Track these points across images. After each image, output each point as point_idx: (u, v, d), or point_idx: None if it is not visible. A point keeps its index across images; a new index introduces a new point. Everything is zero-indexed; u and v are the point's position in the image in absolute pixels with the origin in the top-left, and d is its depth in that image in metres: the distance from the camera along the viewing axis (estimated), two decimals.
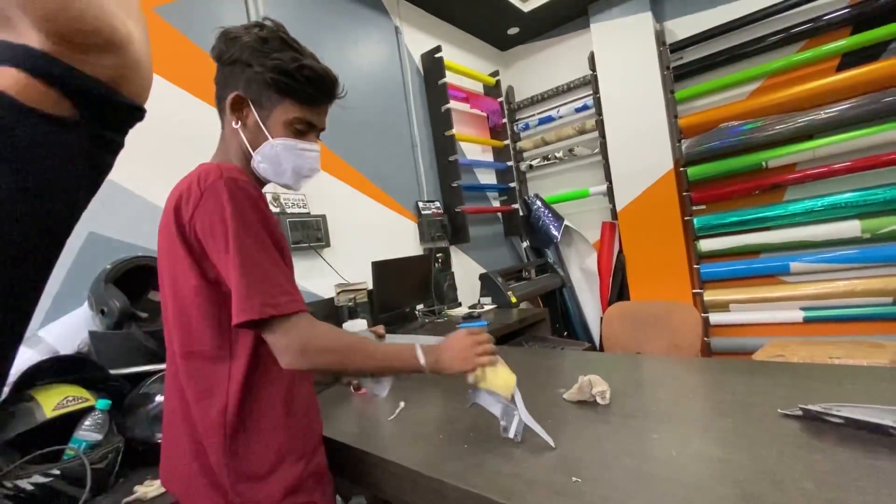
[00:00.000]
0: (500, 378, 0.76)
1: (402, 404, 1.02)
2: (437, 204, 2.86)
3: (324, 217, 2.11)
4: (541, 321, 2.28)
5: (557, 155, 3.36)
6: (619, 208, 3.02)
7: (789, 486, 0.54)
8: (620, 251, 3.10)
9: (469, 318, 2.22)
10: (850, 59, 2.32)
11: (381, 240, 2.48)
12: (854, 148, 2.29)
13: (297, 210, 2.01)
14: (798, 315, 2.47)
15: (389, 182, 2.60)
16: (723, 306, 2.74)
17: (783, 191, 2.57)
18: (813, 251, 2.44)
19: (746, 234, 2.61)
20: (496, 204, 3.48)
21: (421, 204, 2.74)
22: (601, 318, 2.10)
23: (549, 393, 0.96)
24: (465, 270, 2.98)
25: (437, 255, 2.72)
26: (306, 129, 0.78)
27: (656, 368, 1.08)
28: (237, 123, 0.75)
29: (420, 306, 2.43)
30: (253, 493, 0.68)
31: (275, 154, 0.76)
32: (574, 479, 0.61)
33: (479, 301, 2.61)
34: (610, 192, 3.08)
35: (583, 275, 3.27)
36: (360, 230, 2.37)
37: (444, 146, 2.89)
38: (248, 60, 0.72)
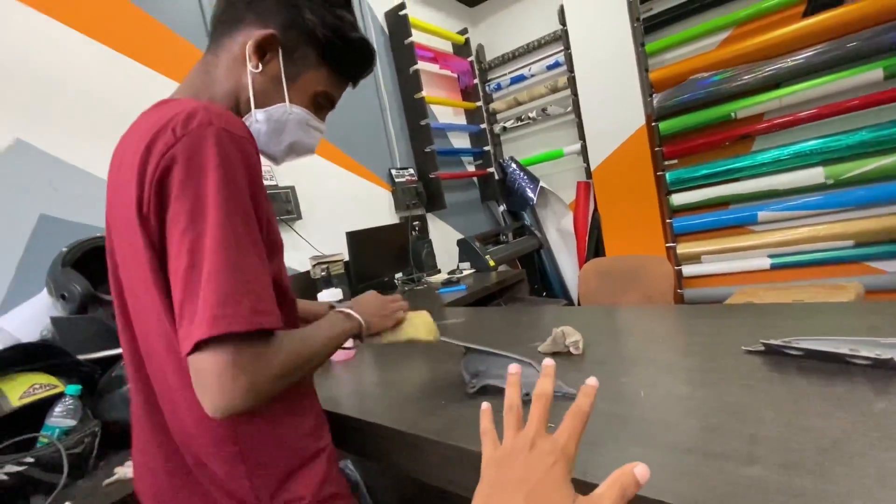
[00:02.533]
0: (422, 324, 0.76)
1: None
2: (411, 171, 2.81)
3: (293, 189, 2.05)
4: (519, 282, 2.31)
5: (531, 115, 3.31)
6: (593, 167, 3.02)
7: (750, 416, 0.56)
8: (595, 210, 3.13)
9: (448, 283, 2.23)
10: (815, 4, 2.31)
11: (354, 210, 2.44)
12: (819, 95, 2.32)
13: (264, 183, 1.94)
14: (766, 262, 2.56)
15: (360, 150, 2.53)
16: (695, 258, 2.82)
17: (751, 141, 2.60)
18: (779, 200, 2.51)
19: (716, 187, 2.66)
20: (471, 168, 3.44)
21: (394, 172, 2.68)
22: (578, 276, 2.14)
23: (524, 346, 0.97)
24: (443, 237, 2.97)
25: (414, 223, 2.70)
26: (326, 106, 0.68)
27: (628, 318, 1.11)
28: (256, 67, 0.59)
29: (399, 275, 2.43)
30: (286, 497, 0.57)
31: (283, 121, 0.63)
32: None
33: (458, 267, 2.61)
34: (584, 151, 3.07)
35: (559, 235, 3.31)
36: (332, 201, 2.32)
37: (414, 110, 2.81)
38: (301, 2, 0.60)
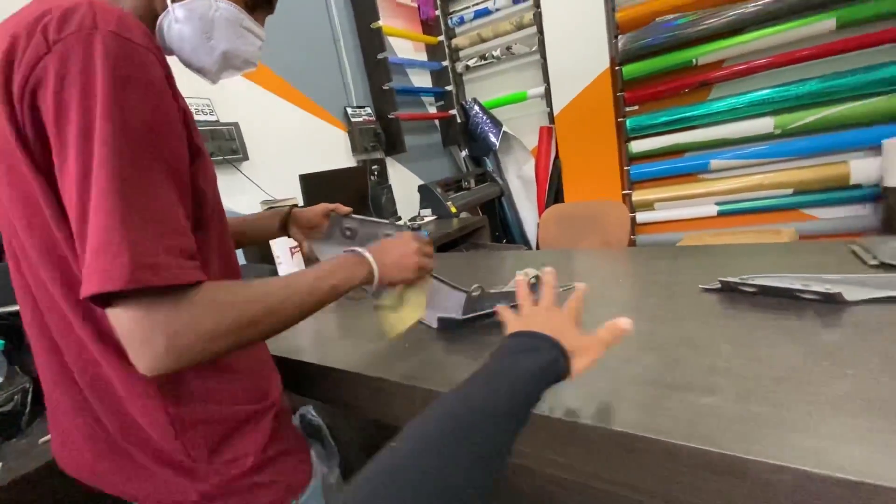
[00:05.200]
0: (419, 305, 0.68)
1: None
2: (369, 110, 2.64)
3: (236, 125, 1.88)
4: (480, 228, 2.30)
5: (495, 54, 3.16)
6: (556, 112, 2.97)
7: (707, 349, 0.58)
8: (557, 156, 3.12)
9: (411, 230, 2.18)
10: None
11: (308, 151, 2.29)
12: (776, 44, 2.34)
13: (202, 118, 1.76)
14: (713, 209, 2.68)
15: (312, 85, 2.33)
16: (648, 205, 2.90)
17: (709, 89, 2.62)
18: (731, 148, 2.59)
19: (674, 134, 2.69)
20: (432, 110, 3.30)
21: (350, 110, 2.52)
22: (538, 223, 2.16)
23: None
24: (404, 183, 2.88)
25: (373, 167, 2.58)
26: (262, 6, 0.57)
27: (588, 260, 1.12)
28: None
29: None
30: (227, 457, 0.52)
31: (209, 20, 0.52)
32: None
33: (419, 213, 2.56)
34: (548, 95, 3.00)
35: (521, 182, 3.29)
36: (282, 141, 2.16)
37: (370, 41, 2.60)
38: None
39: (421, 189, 2.56)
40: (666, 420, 0.46)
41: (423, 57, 3.21)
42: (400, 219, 2.52)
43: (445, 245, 2.08)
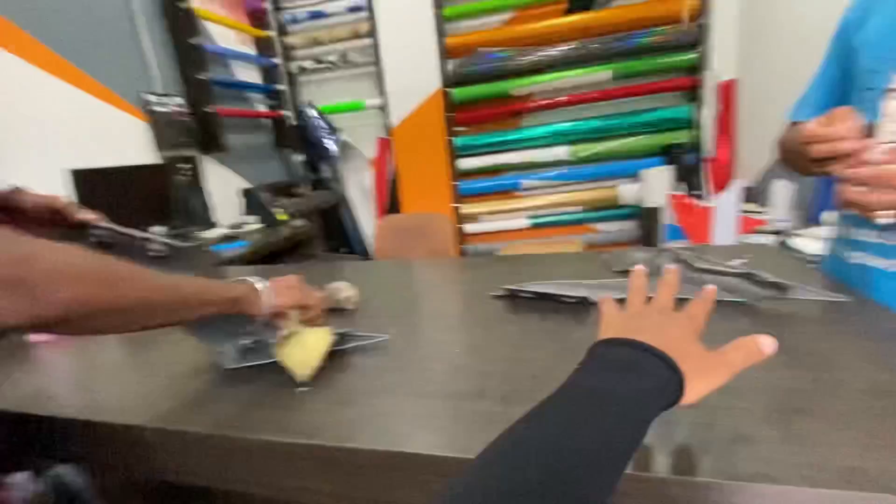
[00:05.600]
0: (309, 346, 0.61)
1: None
2: (180, 101, 2.29)
3: None
4: (312, 238, 2.18)
5: (331, 59, 3.08)
6: (393, 125, 3.03)
7: (489, 352, 0.62)
8: (394, 168, 3.18)
9: (227, 239, 1.94)
10: (573, 4, 2.74)
11: (90, 142, 1.86)
12: (571, 85, 2.81)
13: None
14: (526, 222, 3.07)
15: (97, 64, 1.91)
16: (474, 218, 3.17)
17: (521, 118, 3.01)
18: (538, 171, 3.00)
19: (494, 155, 3.01)
20: (262, 108, 3.03)
21: (152, 98, 2.14)
22: (374, 233, 2.15)
23: None
24: (225, 186, 2.56)
25: (183, 165, 2.23)
26: None
27: (407, 271, 1.14)
28: None
29: (158, 229, 1.99)
30: None
31: None
32: (298, 389, 0.57)
33: (241, 220, 2.31)
34: (385, 107, 3.04)
35: (360, 191, 3.26)
36: (52, 126, 1.71)
37: (180, 22, 2.26)
38: None
39: (245, 193, 2.32)
40: (436, 433, 0.47)
41: (252, 51, 2.94)
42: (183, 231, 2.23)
43: (271, 256, 1.91)
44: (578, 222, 3.03)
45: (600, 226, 3.05)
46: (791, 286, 0.60)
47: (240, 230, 2.10)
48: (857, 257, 0.71)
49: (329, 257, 2.09)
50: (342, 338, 0.65)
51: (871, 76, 0.67)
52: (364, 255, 3.27)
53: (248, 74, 2.92)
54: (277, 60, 3.01)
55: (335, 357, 0.65)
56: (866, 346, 0.53)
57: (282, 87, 3.03)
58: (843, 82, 0.75)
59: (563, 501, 0.24)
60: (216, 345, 0.65)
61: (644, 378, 0.32)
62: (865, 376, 0.47)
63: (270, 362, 0.64)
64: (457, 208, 3.13)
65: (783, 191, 2.02)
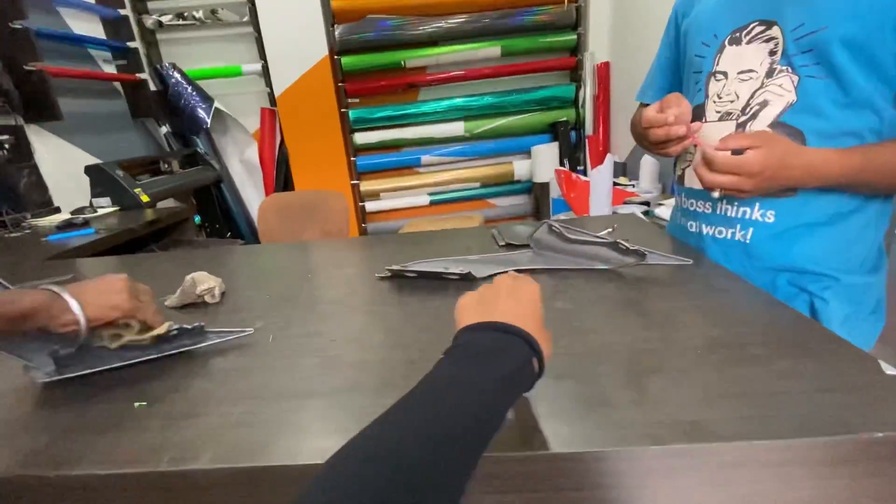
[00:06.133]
0: None
1: None
2: None
3: None
4: (182, 222, 1.92)
5: (196, 15, 2.68)
6: (277, 93, 2.77)
7: (368, 340, 0.58)
8: (283, 142, 2.92)
9: (69, 226, 1.62)
10: None
11: None
12: (464, 59, 2.80)
13: None
14: (426, 199, 3.05)
15: None
16: (375, 195, 3.07)
17: (417, 92, 2.94)
18: (436, 147, 2.99)
19: (392, 130, 2.91)
20: (110, 69, 2.55)
21: None
22: (257, 213, 1.96)
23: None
24: (67, 163, 2.13)
25: (1, 137, 1.80)
26: None
27: (287, 255, 1.04)
28: None
29: None
30: None
31: None
32: (137, 403, 0.48)
33: (90, 204, 1.94)
34: (266, 74, 2.76)
35: (244, 167, 2.95)
36: None
37: None
38: None
39: (91, 171, 1.95)
40: (292, 439, 0.41)
41: None
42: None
43: (131, 244, 1.64)
44: (477, 198, 3.10)
45: (497, 201, 3.15)
46: (646, 252, 0.65)
47: (87, 215, 1.77)
48: (693, 225, 0.79)
49: (207, 243, 1.86)
50: (183, 333, 0.56)
51: (697, 60, 0.74)
52: (255, 239, 3.00)
53: (88, 27, 2.42)
54: (125, 11, 2.54)
55: (183, 360, 0.55)
56: (702, 305, 0.59)
57: (133, 44, 2.57)
58: (678, 65, 0.83)
59: (416, 492, 0.24)
60: (24, 355, 0.52)
61: (506, 363, 0.32)
62: (702, 333, 0.52)
63: (101, 371, 0.53)
64: (356, 185, 2.99)
65: (648, 165, 2.26)
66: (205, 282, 0.74)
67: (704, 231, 0.76)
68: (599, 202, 1.92)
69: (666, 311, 0.58)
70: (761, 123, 0.66)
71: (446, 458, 0.26)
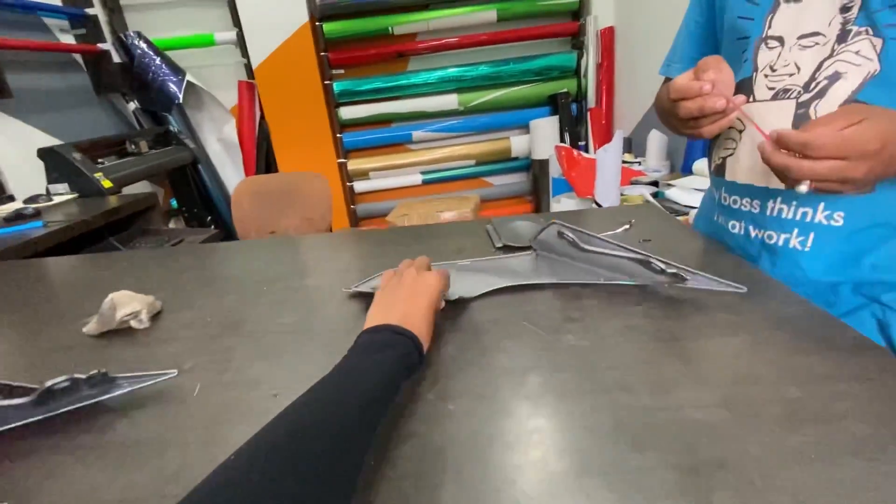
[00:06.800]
0: None
1: None
2: None
3: None
4: (148, 209, 1.76)
5: None
6: (255, 64, 2.55)
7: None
8: (263, 118, 2.72)
9: (18, 218, 1.46)
10: None
11: None
12: (458, 25, 2.58)
13: None
14: (419, 178, 2.88)
15: None
16: (364, 174, 2.89)
17: (407, 61, 2.72)
18: (429, 121, 2.79)
19: (380, 103, 2.71)
20: (67, 40, 2.33)
21: None
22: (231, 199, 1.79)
23: (65, 330, 0.62)
24: (20, 145, 1.94)
25: None
26: None
27: (244, 257, 0.89)
28: None
29: None
30: None
31: None
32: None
33: (46, 191, 1.77)
34: (241, 43, 2.53)
35: (222, 146, 2.76)
36: None
37: None
38: None
39: (44, 154, 1.76)
40: None
41: None
42: None
43: (89, 237, 1.48)
44: (473, 176, 2.93)
45: (494, 179, 2.98)
46: (689, 275, 0.50)
47: (41, 204, 1.60)
48: (736, 226, 0.64)
49: (172, 233, 1.70)
50: (77, 385, 0.42)
51: (742, 23, 0.58)
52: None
53: None
54: None
55: (62, 427, 0.41)
56: (767, 344, 0.44)
57: (92, 11, 2.33)
58: (713, 31, 0.66)
59: (308, 480, 0.26)
60: None
61: (389, 353, 0.38)
62: (776, 393, 0.37)
63: None
64: (343, 164, 2.81)
65: (655, 141, 2.09)
66: (128, 304, 0.59)
67: (752, 234, 0.61)
68: (606, 185, 1.76)
69: (717, 354, 0.44)
70: (831, 103, 0.51)
71: (338, 445, 0.29)
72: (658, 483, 0.30)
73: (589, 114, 2.71)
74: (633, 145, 2.44)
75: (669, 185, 1.78)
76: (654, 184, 1.89)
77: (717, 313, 0.50)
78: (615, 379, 0.41)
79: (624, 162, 2.18)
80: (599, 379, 0.41)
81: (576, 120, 2.73)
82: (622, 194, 1.85)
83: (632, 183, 1.94)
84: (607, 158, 1.74)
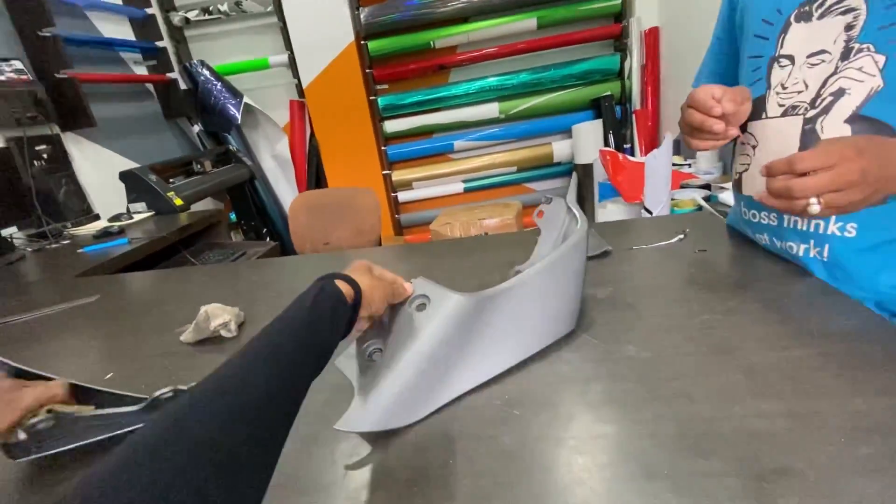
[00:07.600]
0: None
1: None
2: (18, 65, 1.83)
3: None
4: (215, 224, 1.90)
5: (221, 8, 2.63)
6: (305, 84, 2.70)
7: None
8: (313, 134, 2.87)
9: (105, 235, 1.62)
10: None
11: None
12: (496, 35, 2.62)
13: None
14: (460, 187, 2.93)
15: None
16: (408, 185, 2.98)
17: (448, 73, 2.79)
18: (469, 130, 2.84)
19: (422, 116, 2.79)
20: (141, 71, 2.56)
21: None
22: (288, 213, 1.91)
23: (163, 338, 0.71)
24: (103, 168, 2.16)
25: (40, 147, 1.82)
26: None
27: (306, 268, 0.96)
28: None
29: (14, 231, 1.62)
30: None
31: None
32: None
33: (127, 210, 1.96)
34: (293, 65, 2.69)
35: (276, 162, 2.93)
36: None
37: None
38: None
39: (124, 176, 1.95)
40: None
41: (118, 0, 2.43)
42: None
43: (166, 252, 1.63)
44: (514, 183, 2.94)
45: (536, 185, 2.98)
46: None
47: (123, 222, 1.77)
48: (762, 238, 0.66)
49: (235, 247, 1.83)
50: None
51: (757, 42, 0.59)
52: (290, 236, 2.99)
53: (117, 30, 2.42)
54: (152, 10, 2.52)
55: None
56: (826, 353, 0.45)
57: (162, 43, 2.56)
58: (733, 47, 0.67)
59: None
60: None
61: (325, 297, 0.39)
62: (839, 405, 0.38)
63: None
64: (388, 175, 2.91)
65: None
66: (219, 316, 0.67)
67: (778, 245, 0.62)
68: (658, 187, 1.73)
69: (779, 365, 0.44)
70: (836, 119, 0.51)
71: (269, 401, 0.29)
72: (723, 488, 0.32)
73: (634, 116, 2.66)
74: (682, 147, 2.37)
75: (722, 188, 1.72)
76: (706, 187, 1.84)
77: (775, 325, 0.50)
78: (676, 389, 0.43)
79: (673, 164, 2.13)
80: (661, 389, 0.43)
81: (620, 122, 2.69)
82: (672, 198, 1.81)
83: (682, 186, 1.90)
84: (657, 164, 1.71)
